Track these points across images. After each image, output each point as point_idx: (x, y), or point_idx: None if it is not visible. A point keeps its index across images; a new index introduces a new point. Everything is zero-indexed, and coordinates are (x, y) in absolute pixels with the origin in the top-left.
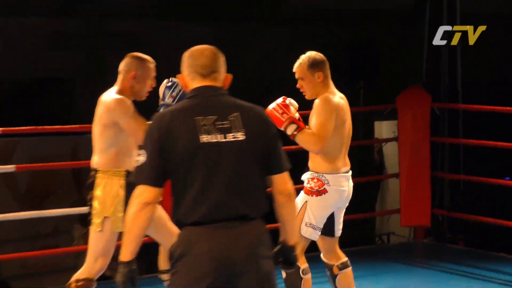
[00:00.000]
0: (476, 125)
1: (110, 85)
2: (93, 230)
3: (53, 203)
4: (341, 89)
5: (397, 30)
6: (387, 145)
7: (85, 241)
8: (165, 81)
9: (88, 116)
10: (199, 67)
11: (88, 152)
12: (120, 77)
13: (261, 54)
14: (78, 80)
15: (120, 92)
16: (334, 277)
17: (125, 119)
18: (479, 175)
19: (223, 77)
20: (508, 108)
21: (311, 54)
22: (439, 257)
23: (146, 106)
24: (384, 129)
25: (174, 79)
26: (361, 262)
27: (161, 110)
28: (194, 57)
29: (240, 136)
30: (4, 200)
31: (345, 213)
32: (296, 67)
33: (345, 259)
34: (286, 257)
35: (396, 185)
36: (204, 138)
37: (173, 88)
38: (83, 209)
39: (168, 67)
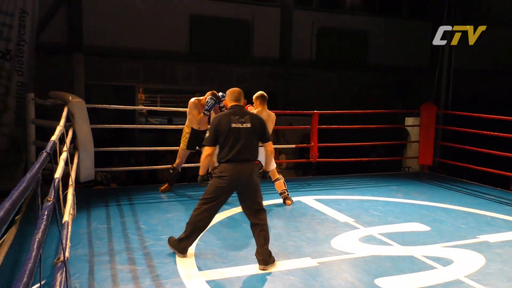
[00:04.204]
0: (457, 121)
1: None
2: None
3: None
4: (393, 104)
5: (418, 76)
6: (412, 128)
7: None
8: (209, 98)
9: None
10: (234, 97)
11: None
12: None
13: None
14: (279, 93)
15: None
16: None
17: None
18: (456, 143)
19: (242, 102)
20: (469, 113)
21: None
22: (434, 179)
23: None
24: (410, 121)
25: (211, 100)
26: (395, 178)
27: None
28: (231, 92)
29: (249, 125)
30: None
31: (389, 155)
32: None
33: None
34: (263, 175)
35: (415, 146)
36: (233, 125)
37: (211, 103)
38: None
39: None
